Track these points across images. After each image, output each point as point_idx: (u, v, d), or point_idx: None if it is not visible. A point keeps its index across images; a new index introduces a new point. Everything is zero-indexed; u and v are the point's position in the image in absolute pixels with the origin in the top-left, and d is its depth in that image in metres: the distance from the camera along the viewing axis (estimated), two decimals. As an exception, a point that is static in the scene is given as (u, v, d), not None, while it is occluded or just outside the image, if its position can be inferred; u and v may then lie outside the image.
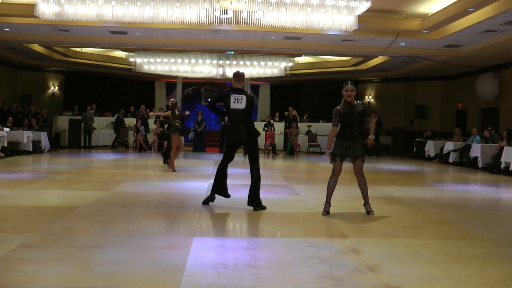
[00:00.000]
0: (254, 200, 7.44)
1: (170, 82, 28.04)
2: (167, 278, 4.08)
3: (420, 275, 4.41)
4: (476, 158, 16.42)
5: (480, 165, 16.12)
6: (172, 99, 13.63)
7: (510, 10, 12.44)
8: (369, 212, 7.25)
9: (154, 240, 5.36)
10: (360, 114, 7.14)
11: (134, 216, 6.70)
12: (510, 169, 14.17)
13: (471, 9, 13.03)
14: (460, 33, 15.30)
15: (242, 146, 8.27)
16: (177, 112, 12.97)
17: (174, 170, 12.73)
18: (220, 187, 7.73)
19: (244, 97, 7.59)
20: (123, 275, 4.12)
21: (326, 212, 7.12)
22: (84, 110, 22.25)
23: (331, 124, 7.37)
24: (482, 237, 6.02)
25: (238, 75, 7.80)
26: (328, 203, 7.23)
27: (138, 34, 17.24)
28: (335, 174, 7.24)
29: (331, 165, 7.29)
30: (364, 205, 7.39)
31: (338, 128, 7.20)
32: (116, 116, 22.62)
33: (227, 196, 7.87)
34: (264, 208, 7.42)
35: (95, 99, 25.08)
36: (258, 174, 7.57)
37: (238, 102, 7.56)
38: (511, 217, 7.91)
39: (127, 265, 4.41)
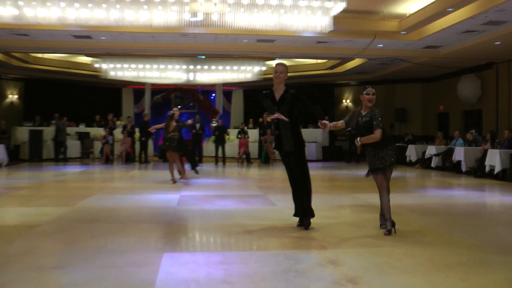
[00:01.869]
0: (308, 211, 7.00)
1: (138, 89, 27.87)
2: (136, 298, 4.03)
3: (403, 285, 4.43)
4: (459, 162, 16.57)
5: (463, 169, 16.28)
6: (171, 111, 13.30)
7: (490, 10, 12.62)
8: (388, 230, 6.59)
9: (121, 258, 5.29)
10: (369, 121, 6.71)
11: (100, 232, 6.60)
12: (495, 173, 14.34)
13: (450, 9, 13.20)
14: (440, 34, 15.49)
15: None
16: (174, 124, 12.76)
17: (174, 182, 12.74)
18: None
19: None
20: (88, 296, 4.05)
21: (388, 231, 6.55)
22: (50, 119, 21.93)
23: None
24: (466, 243, 6.07)
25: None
26: (388, 220, 6.64)
27: (103, 38, 17.09)
28: (380, 188, 6.82)
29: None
30: (383, 219, 6.85)
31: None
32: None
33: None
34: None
35: (58, 108, 24.74)
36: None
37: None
38: (496, 222, 8.01)
39: (92, 285, 4.33)
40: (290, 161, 7.05)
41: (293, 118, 6.89)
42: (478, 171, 15.37)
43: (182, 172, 12.99)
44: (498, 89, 19.84)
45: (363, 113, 6.75)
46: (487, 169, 14.84)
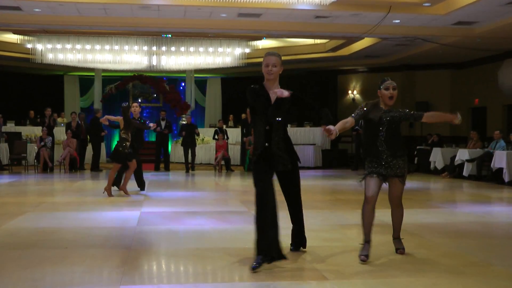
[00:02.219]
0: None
1: (85, 77, 27.90)
2: None
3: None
4: (500, 169, 16.70)
5: (506, 179, 16.40)
6: (126, 103, 13.32)
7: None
8: (397, 249, 7.06)
9: (64, 293, 5.29)
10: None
11: (36, 261, 6.58)
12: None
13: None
14: (475, 6, 15.54)
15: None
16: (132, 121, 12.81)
17: (127, 194, 12.93)
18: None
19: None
20: None
21: (364, 256, 6.60)
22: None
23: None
24: (509, 274, 6.15)
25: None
26: (366, 242, 6.75)
27: (37, 10, 16.99)
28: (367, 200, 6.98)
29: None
30: (393, 239, 7.20)
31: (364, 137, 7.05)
32: None
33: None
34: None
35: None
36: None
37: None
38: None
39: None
40: (283, 183, 7.12)
41: (287, 125, 6.85)
42: (526, 181, 15.56)
43: (124, 183, 13.05)
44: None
45: (386, 108, 6.71)
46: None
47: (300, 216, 7.35)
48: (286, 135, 6.71)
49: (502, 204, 12.89)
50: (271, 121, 6.50)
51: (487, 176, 17.67)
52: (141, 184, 13.85)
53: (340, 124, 6.47)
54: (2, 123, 21.58)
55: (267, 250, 6.30)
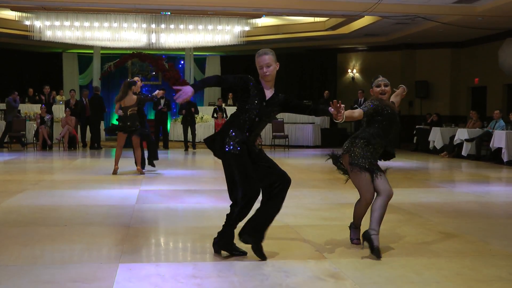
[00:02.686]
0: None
1: (83, 54, 27.82)
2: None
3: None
4: (499, 149, 16.73)
5: (505, 159, 16.45)
6: (132, 79, 13.26)
7: None
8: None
9: (63, 271, 5.31)
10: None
11: (36, 238, 6.61)
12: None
13: None
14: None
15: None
16: (134, 97, 12.68)
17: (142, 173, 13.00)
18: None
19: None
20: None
21: (357, 239, 6.51)
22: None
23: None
24: (507, 254, 6.17)
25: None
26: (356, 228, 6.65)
27: (36, -14, 16.94)
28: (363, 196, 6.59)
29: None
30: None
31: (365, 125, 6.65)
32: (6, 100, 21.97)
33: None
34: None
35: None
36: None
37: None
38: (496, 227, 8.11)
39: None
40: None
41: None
42: (525, 161, 15.61)
43: (137, 162, 13.02)
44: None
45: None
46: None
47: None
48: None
49: (501, 184, 12.92)
50: (262, 117, 6.20)
51: (486, 155, 17.70)
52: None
53: (347, 112, 6.16)
54: (18, 101, 21.49)
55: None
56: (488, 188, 12.05)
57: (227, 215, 6.09)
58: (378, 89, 6.42)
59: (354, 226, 6.64)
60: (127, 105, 12.48)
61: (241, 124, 6.14)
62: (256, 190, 6.01)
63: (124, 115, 12.50)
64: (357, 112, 6.30)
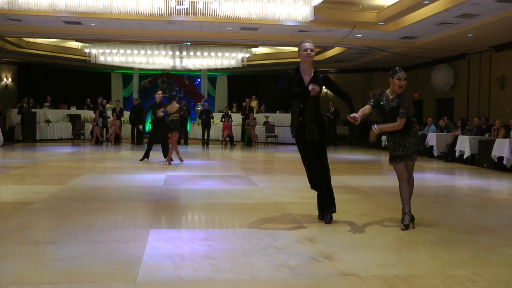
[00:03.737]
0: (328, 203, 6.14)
1: (126, 74, 27.74)
2: (124, 271, 4.07)
3: (375, 261, 4.51)
4: (431, 147, 16.79)
5: (435, 154, 16.50)
6: (173, 92, 13.23)
7: (463, 3, 12.70)
8: (406, 225, 5.87)
9: (110, 234, 5.32)
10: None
11: (91, 210, 6.61)
12: (464, 157, 14.56)
13: (426, 2, 13.25)
14: (416, 25, 15.55)
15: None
16: (177, 106, 12.67)
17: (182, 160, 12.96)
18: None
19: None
20: (79, 270, 4.08)
21: (405, 226, 5.85)
22: (42, 102, 21.89)
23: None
24: (435, 223, 6.20)
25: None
26: (406, 214, 5.97)
27: (92, 24, 16.96)
28: (400, 178, 6.18)
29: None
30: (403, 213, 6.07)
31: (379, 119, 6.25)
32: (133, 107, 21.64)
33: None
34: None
35: (50, 91, 24.67)
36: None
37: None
38: (465, 203, 8.13)
39: (83, 259, 4.36)
40: (310, 153, 6.12)
41: (318, 103, 6.06)
42: (449, 155, 15.59)
43: (177, 153, 12.94)
44: (469, 79, 20.04)
45: (390, 97, 5.97)
46: (457, 154, 15.06)
47: (324, 184, 6.17)
48: (318, 112, 6.04)
49: (432, 172, 12.92)
50: (305, 99, 5.88)
51: (422, 151, 17.64)
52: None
53: (360, 112, 5.85)
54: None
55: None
56: (423, 175, 12.04)
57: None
58: (399, 82, 5.86)
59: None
60: (171, 112, 12.47)
61: (294, 114, 6.13)
62: (308, 163, 6.06)
63: (170, 119, 12.49)
64: (367, 109, 5.97)
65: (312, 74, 5.96)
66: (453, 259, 4.66)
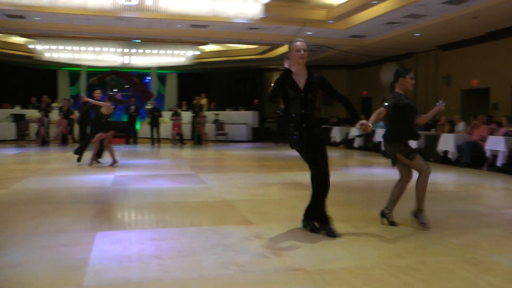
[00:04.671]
0: (317, 214, 5.55)
1: (73, 71, 27.22)
2: (69, 276, 4.01)
3: (323, 255, 4.61)
4: (379, 142, 17.09)
5: (383, 149, 16.79)
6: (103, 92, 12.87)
7: (411, 4, 13.05)
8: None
9: (56, 238, 5.23)
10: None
11: (35, 214, 6.47)
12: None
13: (375, 2, 13.54)
14: (365, 24, 15.83)
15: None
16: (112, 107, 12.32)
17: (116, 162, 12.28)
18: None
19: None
20: (21, 278, 3.98)
21: (424, 223, 5.80)
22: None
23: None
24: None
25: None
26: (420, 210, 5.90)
27: (37, 19, 16.48)
28: (426, 171, 5.87)
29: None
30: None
31: (395, 126, 5.94)
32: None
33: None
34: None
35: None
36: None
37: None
38: (411, 196, 8.29)
39: (25, 267, 4.26)
40: (318, 148, 5.69)
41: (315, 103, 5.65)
42: (396, 151, 15.91)
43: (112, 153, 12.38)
44: (416, 77, 20.44)
45: (406, 96, 5.90)
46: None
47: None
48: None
49: (380, 167, 13.17)
50: (305, 103, 5.42)
51: (370, 147, 18.03)
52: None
53: (374, 117, 5.80)
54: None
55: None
56: (371, 170, 12.31)
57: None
58: (412, 81, 5.82)
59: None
60: (108, 113, 12.21)
61: (295, 119, 5.49)
62: (322, 168, 5.57)
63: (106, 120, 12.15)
64: (382, 113, 5.81)
65: (307, 76, 5.52)
66: (399, 250, 4.83)
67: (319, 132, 5.65)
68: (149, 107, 22.35)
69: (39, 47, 21.41)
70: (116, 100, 12.74)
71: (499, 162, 11.79)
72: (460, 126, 14.48)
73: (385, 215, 5.96)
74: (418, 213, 5.85)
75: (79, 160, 12.43)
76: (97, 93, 13.07)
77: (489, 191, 9.57)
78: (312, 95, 5.46)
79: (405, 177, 5.98)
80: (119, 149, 17.06)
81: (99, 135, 12.11)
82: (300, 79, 5.46)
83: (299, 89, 5.41)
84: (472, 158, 12.85)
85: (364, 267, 4.29)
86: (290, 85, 5.42)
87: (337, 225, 5.68)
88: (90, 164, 12.12)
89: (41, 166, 12.41)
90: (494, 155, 12.10)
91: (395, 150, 5.86)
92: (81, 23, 17.09)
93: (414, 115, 5.96)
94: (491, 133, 12.91)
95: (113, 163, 12.11)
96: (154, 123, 20.38)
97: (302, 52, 5.40)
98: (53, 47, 21.41)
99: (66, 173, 10.76)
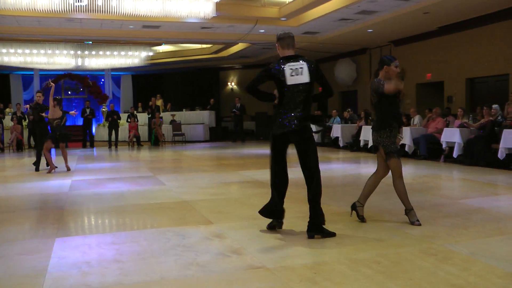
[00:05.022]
0: (315, 223, 5.20)
1: (26, 75, 26.69)
2: (28, 285, 3.92)
3: (283, 253, 4.65)
4: (337, 138, 17.34)
5: (341, 144, 17.07)
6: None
7: (362, 0, 13.25)
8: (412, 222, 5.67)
9: (12, 247, 5.11)
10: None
11: (-10, 221, 6.33)
12: (369, 147, 15.14)
13: (326, -2, 13.68)
14: (317, 21, 16.00)
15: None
16: (60, 111, 11.85)
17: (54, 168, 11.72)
18: (277, 206, 5.51)
19: (304, 64, 5.15)
20: (-25, 288, 3.90)
21: (417, 220, 5.69)
22: None
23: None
24: (342, 212, 6.42)
25: (285, 37, 5.36)
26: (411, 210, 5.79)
27: (-16, 21, 16.13)
28: (399, 174, 5.84)
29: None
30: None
31: (385, 111, 5.74)
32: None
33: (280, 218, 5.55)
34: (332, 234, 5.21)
35: None
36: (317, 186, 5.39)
37: (297, 74, 5.11)
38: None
39: (-19, 276, 4.15)
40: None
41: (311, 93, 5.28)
42: (354, 145, 16.17)
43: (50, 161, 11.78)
44: (371, 72, 20.76)
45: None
46: (361, 143, 15.64)
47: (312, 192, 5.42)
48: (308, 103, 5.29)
49: (338, 162, 13.35)
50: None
51: (328, 142, 18.25)
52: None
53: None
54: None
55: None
56: (329, 166, 12.42)
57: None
58: (396, 69, 5.70)
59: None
60: (54, 117, 11.80)
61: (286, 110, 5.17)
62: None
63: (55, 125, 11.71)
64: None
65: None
66: (359, 244, 4.90)
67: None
68: (105, 110, 22.10)
69: (-12, 50, 20.89)
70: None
71: (455, 154, 12.06)
72: (416, 119, 14.76)
73: (355, 208, 5.99)
74: (407, 213, 5.73)
75: (37, 169, 11.96)
76: (38, 96, 12.59)
77: (446, 182, 9.77)
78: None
79: (381, 172, 5.94)
80: (76, 153, 16.83)
81: (47, 145, 11.58)
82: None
83: (285, 82, 5.11)
84: (428, 150, 13.13)
85: (324, 263, 4.35)
86: (276, 77, 5.13)
87: (296, 222, 5.75)
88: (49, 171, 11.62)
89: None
90: (451, 147, 12.38)
91: (380, 140, 5.75)
92: (31, 25, 16.79)
93: (398, 101, 5.83)
94: (447, 125, 13.22)
95: (50, 170, 11.56)
96: (113, 126, 20.14)
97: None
98: (3, 50, 20.91)
99: (22, 180, 10.53)
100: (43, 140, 11.79)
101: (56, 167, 11.91)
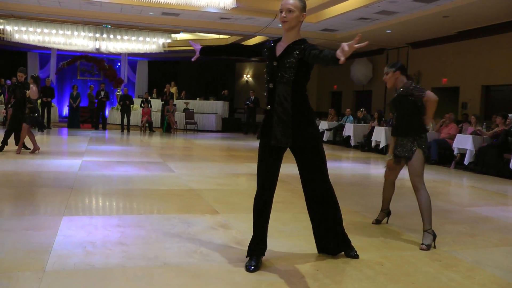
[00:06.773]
0: (340, 241, 4.50)
1: (44, 54, 26.80)
2: (32, 260, 3.95)
3: (287, 247, 4.64)
4: (348, 137, 17.28)
5: (352, 144, 17.01)
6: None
7: (383, 0, 13.19)
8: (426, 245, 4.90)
9: (19, 222, 5.14)
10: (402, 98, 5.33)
11: (0, 197, 6.40)
12: (380, 148, 15.09)
13: (347, -4, 13.62)
14: (336, 18, 15.93)
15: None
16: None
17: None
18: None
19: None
20: (-18, 259, 3.91)
21: (376, 220, 5.82)
22: None
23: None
24: (348, 210, 6.41)
25: None
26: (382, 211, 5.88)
27: (7, -1, 16.23)
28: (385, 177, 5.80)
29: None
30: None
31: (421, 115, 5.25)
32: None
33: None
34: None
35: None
36: (333, 198, 4.73)
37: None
38: (377, 191, 8.44)
39: (-15, 249, 4.18)
40: (275, 162, 4.48)
41: (298, 86, 4.07)
42: (365, 145, 16.11)
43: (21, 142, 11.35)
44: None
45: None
46: (373, 144, 15.57)
47: (329, 213, 4.63)
48: (298, 100, 4.05)
49: (349, 161, 13.32)
50: (274, 77, 4.05)
51: (339, 141, 18.19)
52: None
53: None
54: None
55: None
56: (339, 164, 12.40)
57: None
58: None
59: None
60: (33, 98, 11.26)
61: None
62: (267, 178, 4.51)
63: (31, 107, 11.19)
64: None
65: (290, 42, 4.15)
66: (363, 244, 4.87)
67: (294, 134, 4.23)
68: (119, 93, 22.17)
69: (8, 27, 21.00)
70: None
71: (466, 161, 11.98)
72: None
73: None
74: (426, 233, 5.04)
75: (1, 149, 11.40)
76: (20, 74, 11.60)
77: (455, 189, 9.73)
78: (283, 66, 4.03)
79: (393, 178, 5.73)
80: (88, 135, 16.92)
81: (25, 127, 11.12)
82: (281, 45, 4.17)
83: (274, 56, 4.13)
84: (439, 155, 13.06)
85: (327, 260, 4.34)
86: (269, 53, 4.18)
87: (301, 217, 5.71)
88: (18, 152, 11.14)
89: (7, 148, 12.14)
90: (462, 154, 12.31)
91: (420, 142, 5.16)
92: (52, 6, 16.86)
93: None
94: (460, 132, 13.14)
95: (18, 152, 11.14)
96: (125, 110, 20.20)
97: (284, 13, 4.06)
98: (23, 28, 21.01)
99: (32, 157, 10.58)
100: (23, 120, 11.19)
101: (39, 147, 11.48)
